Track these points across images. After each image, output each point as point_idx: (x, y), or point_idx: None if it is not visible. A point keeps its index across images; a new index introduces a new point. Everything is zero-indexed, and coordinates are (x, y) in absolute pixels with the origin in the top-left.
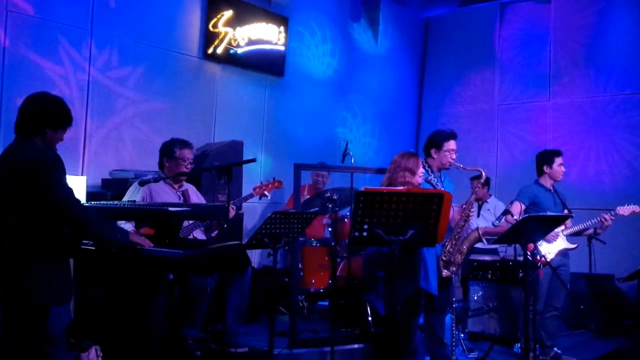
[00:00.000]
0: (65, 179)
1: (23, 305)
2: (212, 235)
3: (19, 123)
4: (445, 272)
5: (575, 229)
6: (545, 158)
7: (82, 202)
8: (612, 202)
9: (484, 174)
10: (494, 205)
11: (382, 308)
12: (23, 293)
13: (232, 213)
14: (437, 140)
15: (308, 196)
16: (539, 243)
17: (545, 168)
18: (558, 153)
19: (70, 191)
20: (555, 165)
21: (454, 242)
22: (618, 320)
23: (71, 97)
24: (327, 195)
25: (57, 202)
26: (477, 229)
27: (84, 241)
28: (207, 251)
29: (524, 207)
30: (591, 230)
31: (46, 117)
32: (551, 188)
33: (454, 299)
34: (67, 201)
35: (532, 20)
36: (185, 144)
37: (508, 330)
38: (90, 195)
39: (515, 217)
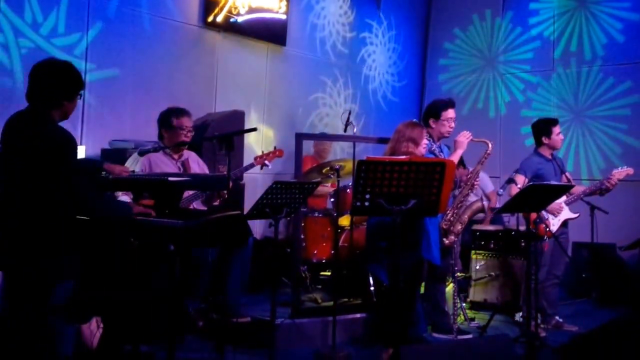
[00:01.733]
0: (77, 161)
1: (33, 277)
2: (216, 204)
3: (34, 94)
4: (444, 241)
5: (579, 192)
6: (543, 128)
7: (89, 186)
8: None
9: (489, 146)
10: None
11: (385, 278)
12: (32, 266)
13: None
14: (435, 110)
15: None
16: (546, 216)
17: (543, 139)
18: (555, 122)
19: (81, 177)
20: (553, 135)
21: (455, 211)
22: (619, 289)
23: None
24: (329, 165)
25: (70, 187)
26: (481, 198)
27: None
28: (208, 221)
29: (527, 179)
30: (598, 190)
31: (62, 88)
32: (550, 157)
33: (455, 268)
34: (79, 187)
35: None
36: (182, 112)
37: (510, 299)
38: None
39: (519, 186)
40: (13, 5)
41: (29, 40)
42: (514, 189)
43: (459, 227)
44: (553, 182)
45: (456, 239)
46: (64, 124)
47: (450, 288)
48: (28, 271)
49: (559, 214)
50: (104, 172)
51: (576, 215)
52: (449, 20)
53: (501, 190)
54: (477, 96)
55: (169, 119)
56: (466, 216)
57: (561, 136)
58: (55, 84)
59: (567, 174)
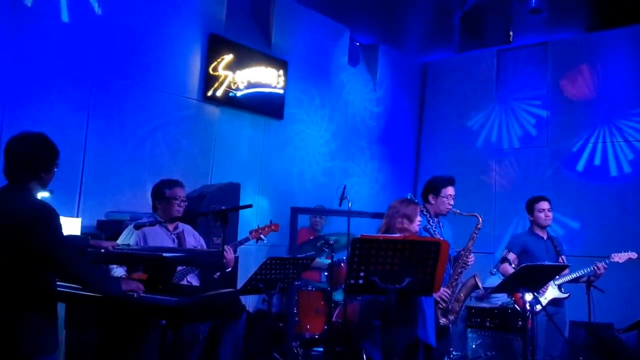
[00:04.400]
0: (62, 231)
1: (10, 355)
2: (215, 277)
3: (11, 169)
4: (442, 320)
5: (568, 278)
6: (528, 206)
7: (78, 256)
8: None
9: (480, 219)
10: None
11: (378, 357)
12: (11, 343)
13: (230, 256)
14: (435, 186)
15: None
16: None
17: (529, 217)
18: (540, 198)
19: (68, 246)
20: (536, 212)
21: (451, 290)
22: None
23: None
24: (324, 239)
25: (56, 259)
26: (474, 275)
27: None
28: (201, 299)
29: (514, 256)
30: (585, 278)
31: (39, 161)
32: (544, 236)
33: (451, 348)
34: (67, 258)
35: (529, 65)
36: (174, 183)
37: None
38: None
39: (513, 265)
40: None
41: None
42: (508, 268)
43: (457, 306)
44: (546, 262)
45: (456, 318)
46: (58, 196)
47: None
48: (6, 344)
49: (544, 293)
50: (90, 249)
51: (566, 295)
52: (443, 121)
53: (494, 270)
54: (474, 199)
55: (162, 191)
56: (462, 294)
57: (547, 213)
58: (32, 158)
59: (563, 257)
